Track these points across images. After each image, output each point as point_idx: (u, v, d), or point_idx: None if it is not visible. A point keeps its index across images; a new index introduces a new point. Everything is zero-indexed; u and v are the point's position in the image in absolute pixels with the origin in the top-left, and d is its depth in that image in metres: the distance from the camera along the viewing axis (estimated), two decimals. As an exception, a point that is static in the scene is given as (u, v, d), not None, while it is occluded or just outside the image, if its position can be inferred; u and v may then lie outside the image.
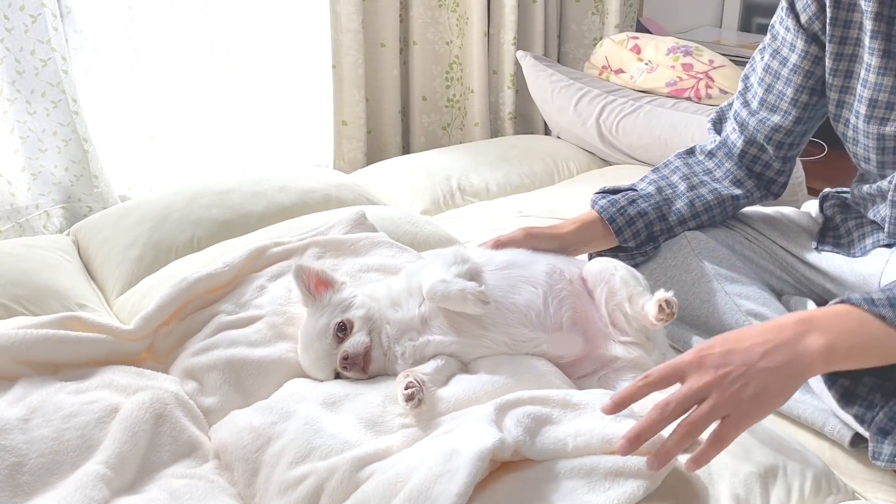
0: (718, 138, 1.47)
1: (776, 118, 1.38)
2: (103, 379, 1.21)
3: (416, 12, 2.61)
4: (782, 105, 1.37)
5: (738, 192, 1.43)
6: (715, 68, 2.36)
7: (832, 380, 1.08)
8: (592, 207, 1.43)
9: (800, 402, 1.20)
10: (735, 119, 1.44)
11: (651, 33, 2.75)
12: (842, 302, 1.01)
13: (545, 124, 2.77)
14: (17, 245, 1.77)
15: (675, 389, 0.94)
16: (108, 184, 2.22)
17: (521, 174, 2.30)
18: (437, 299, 1.21)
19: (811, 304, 1.36)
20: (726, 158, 1.45)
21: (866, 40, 1.24)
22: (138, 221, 1.80)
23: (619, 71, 2.52)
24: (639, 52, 2.50)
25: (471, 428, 0.99)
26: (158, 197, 1.91)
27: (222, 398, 1.23)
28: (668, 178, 1.45)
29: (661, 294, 1.17)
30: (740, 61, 2.58)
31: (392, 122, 2.66)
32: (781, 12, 1.35)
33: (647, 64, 2.46)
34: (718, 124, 1.49)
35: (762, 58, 1.40)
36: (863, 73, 1.26)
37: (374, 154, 2.64)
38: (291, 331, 1.31)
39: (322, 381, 1.21)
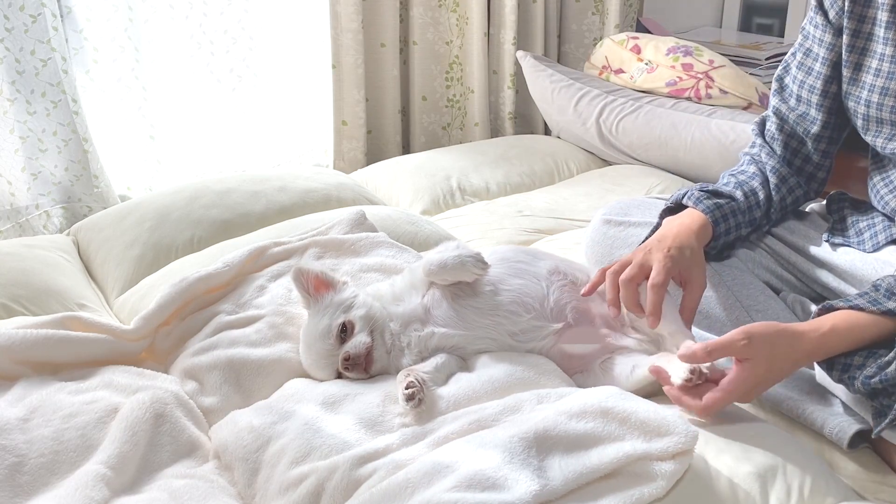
0: (759, 141, 1.48)
1: (812, 112, 1.42)
2: (103, 379, 1.22)
3: (416, 12, 2.61)
4: (814, 98, 1.41)
5: (799, 192, 1.44)
6: (715, 68, 2.36)
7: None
8: (696, 206, 1.34)
9: (799, 402, 1.20)
10: (775, 115, 1.47)
11: (651, 33, 2.75)
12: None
13: (545, 124, 2.77)
14: (17, 245, 1.77)
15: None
16: (108, 184, 2.22)
17: (521, 174, 2.30)
18: (434, 271, 1.21)
19: (809, 304, 1.36)
20: (769, 158, 1.45)
21: (881, 32, 1.29)
22: (138, 221, 1.80)
23: (619, 71, 2.52)
24: (639, 52, 2.50)
25: (502, 463, 0.97)
26: (158, 197, 1.91)
27: (222, 398, 1.23)
28: (748, 182, 1.42)
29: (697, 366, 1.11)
30: (740, 61, 2.58)
31: (392, 122, 2.66)
32: (811, 11, 1.41)
33: (647, 64, 2.46)
34: (762, 125, 1.51)
35: (794, 58, 1.44)
36: (875, 63, 1.31)
37: (374, 154, 2.64)
38: (292, 331, 1.31)
39: (323, 381, 1.21)
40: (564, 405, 1.05)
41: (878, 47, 1.31)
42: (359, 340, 1.18)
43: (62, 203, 2.18)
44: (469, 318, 1.21)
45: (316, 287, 1.26)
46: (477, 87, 2.70)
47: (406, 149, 2.74)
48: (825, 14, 1.37)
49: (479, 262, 1.22)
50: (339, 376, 1.21)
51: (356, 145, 2.58)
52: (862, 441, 1.15)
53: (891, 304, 1.10)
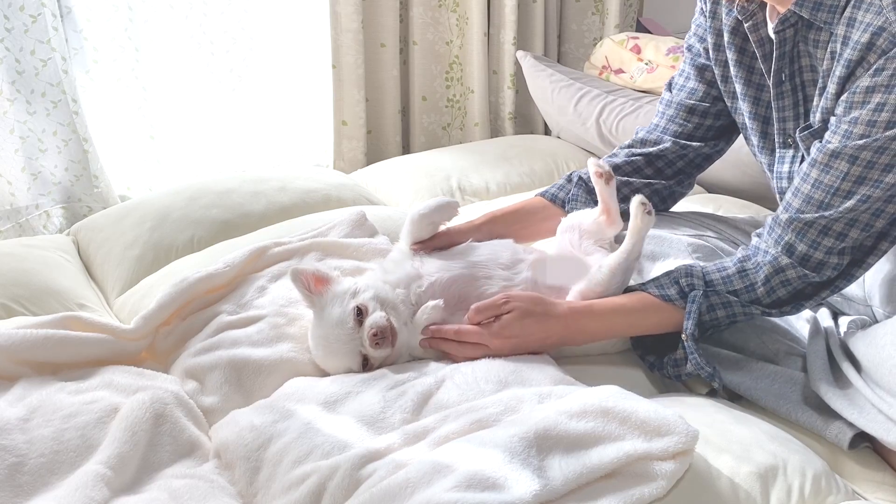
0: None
1: (691, 83, 1.46)
2: (103, 379, 1.22)
3: (416, 12, 2.61)
4: (693, 73, 1.46)
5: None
6: (715, 68, 2.36)
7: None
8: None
9: (799, 407, 1.19)
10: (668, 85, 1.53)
11: (651, 33, 2.75)
12: None
13: (545, 124, 2.77)
14: (17, 245, 1.77)
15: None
16: (108, 184, 2.22)
17: (520, 174, 2.30)
18: (424, 213, 1.34)
19: None
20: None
21: (731, 55, 1.35)
22: (138, 221, 1.80)
23: (619, 71, 2.52)
24: (639, 52, 2.50)
25: (502, 462, 0.97)
26: (158, 197, 1.91)
27: (223, 398, 1.23)
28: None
29: (637, 198, 1.27)
30: (740, 61, 2.58)
31: (392, 122, 2.66)
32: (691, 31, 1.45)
33: (647, 64, 2.46)
34: None
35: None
36: (732, 83, 1.37)
37: (374, 154, 2.64)
38: (293, 331, 1.31)
39: (348, 370, 1.23)
40: (565, 405, 1.05)
41: (732, 68, 1.35)
42: (378, 316, 1.22)
43: (62, 203, 2.18)
44: (458, 262, 1.32)
45: (315, 284, 1.27)
46: (477, 87, 2.70)
47: (406, 149, 2.74)
48: (703, 15, 1.40)
49: (454, 201, 1.38)
50: (365, 361, 1.23)
51: (356, 145, 2.58)
52: (863, 441, 1.15)
53: (671, 291, 1.23)
